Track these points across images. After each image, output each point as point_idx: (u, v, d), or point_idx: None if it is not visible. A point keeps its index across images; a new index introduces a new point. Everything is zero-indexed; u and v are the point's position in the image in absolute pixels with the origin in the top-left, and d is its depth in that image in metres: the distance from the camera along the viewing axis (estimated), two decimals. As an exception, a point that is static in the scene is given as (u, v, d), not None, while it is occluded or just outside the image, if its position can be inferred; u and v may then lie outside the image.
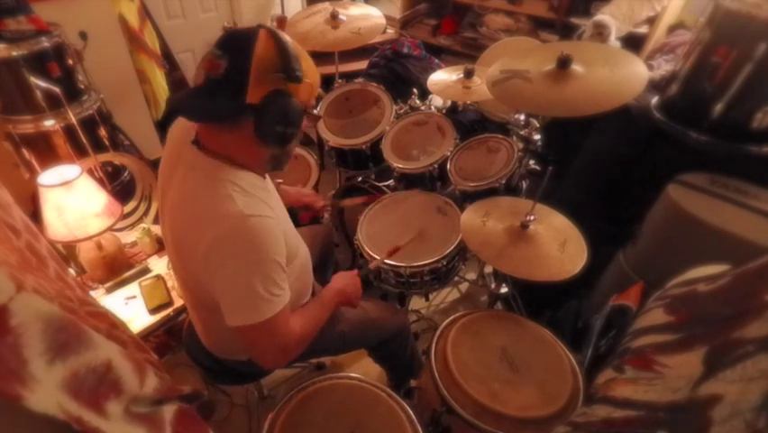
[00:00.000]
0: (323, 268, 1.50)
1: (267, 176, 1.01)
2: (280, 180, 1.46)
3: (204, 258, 0.82)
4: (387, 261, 1.41)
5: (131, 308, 1.44)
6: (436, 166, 1.64)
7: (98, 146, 1.81)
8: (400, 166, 1.68)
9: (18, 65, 1.58)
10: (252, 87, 0.79)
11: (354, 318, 1.23)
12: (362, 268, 1.32)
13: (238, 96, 0.79)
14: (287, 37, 0.82)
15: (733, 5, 1.25)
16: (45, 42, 1.61)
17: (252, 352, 0.94)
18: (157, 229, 1.72)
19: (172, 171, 0.92)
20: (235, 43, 0.80)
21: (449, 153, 1.64)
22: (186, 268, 0.96)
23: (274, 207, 0.93)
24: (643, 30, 2.08)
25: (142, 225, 1.74)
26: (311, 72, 0.87)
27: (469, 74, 1.69)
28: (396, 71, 2.51)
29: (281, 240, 0.88)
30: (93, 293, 1.46)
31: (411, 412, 1.01)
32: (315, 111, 0.94)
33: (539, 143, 1.54)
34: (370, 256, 1.44)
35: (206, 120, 0.85)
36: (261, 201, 0.87)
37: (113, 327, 0.75)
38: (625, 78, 1.14)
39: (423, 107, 1.89)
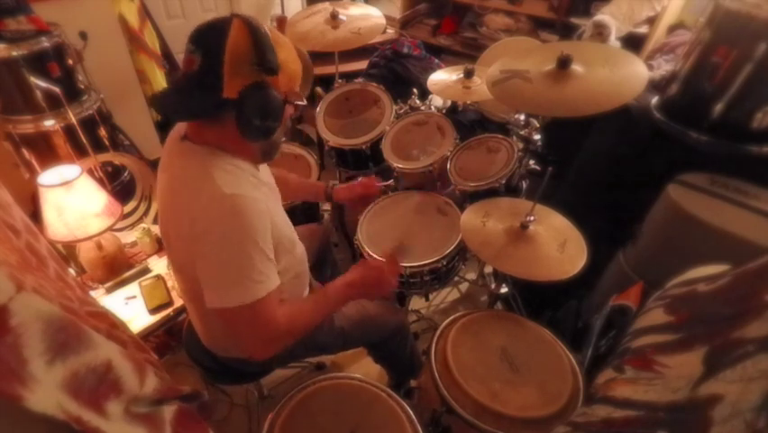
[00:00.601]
0: (320, 267, 1.50)
1: (266, 167, 1.01)
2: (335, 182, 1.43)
3: (189, 241, 0.83)
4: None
5: (131, 308, 1.44)
6: (436, 166, 1.64)
7: (98, 146, 1.81)
8: (400, 166, 1.68)
9: (18, 65, 1.58)
10: (228, 81, 0.78)
11: (354, 316, 1.23)
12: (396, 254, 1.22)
13: (215, 91, 0.78)
14: (263, 26, 0.80)
15: (733, 5, 1.25)
16: (45, 42, 1.61)
17: (238, 339, 0.93)
18: (157, 229, 1.72)
19: (168, 168, 0.93)
20: (208, 36, 0.78)
21: (449, 153, 1.64)
22: (178, 257, 0.96)
23: (259, 188, 0.92)
24: (643, 30, 2.08)
25: (142, 225, 1.74)
26: (291, 61, 0.84)
27: (469, 74, 1.69)
28: (396, 71, 2.51)
29: (264, 222, 0.85)
30: (93, 293, 1.46)
31: (411, 412, 1.01)
32: (299, 101, 0.91)
33: (539, 143, 1.54)
34: (369, 255, 1.44)
35: (187, 118, 0.86)
36: (247, 182, 0.87)
37: (113, 327, 0.75)
38: (625, 78, 1.14)
39: (423, 107, 1.88)
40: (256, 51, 0.77)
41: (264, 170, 1.03)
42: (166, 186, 0.92)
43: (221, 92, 0.78)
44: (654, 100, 1.54)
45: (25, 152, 1.75)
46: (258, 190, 0.88)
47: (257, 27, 0.78)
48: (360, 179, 1.49)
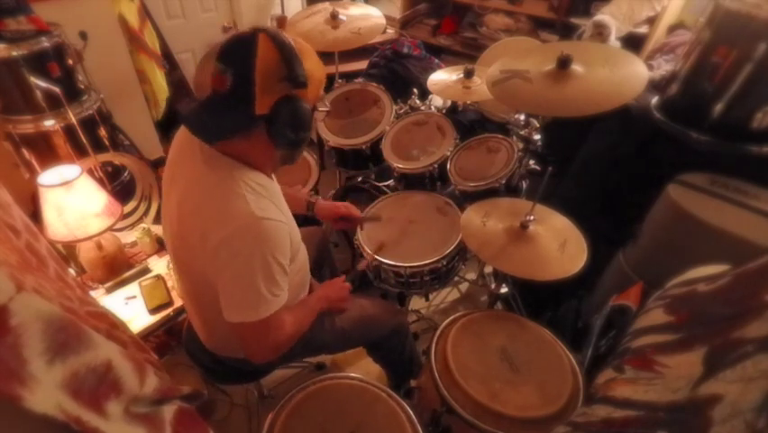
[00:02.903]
0: (319, 268, 1.50)
1: (273, 177, 1.01)
2: (313, 199, 1.42)
3: (212, 253, 0.83)
4: (385, 260, 1.41)
5: (131, 308, 1.44)
6: (436, 166, 1.64)
7: (98, 146, 1.81)
8: (400, 166, 1.68)
9: (18, 65, 1.58)
10: (260, 98, 0.79)
11: (354, 316, 1.23)
12: (349, 273, 1.33)
13: (247, 109, 0.80)
14: (287, 38, 0.81)
15: (733, 5, 1.25)
16: (45, 42, 1.61)
17: (245, 347, 0.95)
18: (157, 229, 1.72)
19: (182, 166, 0.93)
20: (237, 54, 0.79)
21: (449, 153, 1.64)
22: (190, 259, 0.96)
23: (282, 208, 0.94)
24: (643, 30, 2.08)
25: (142, 225, 1.74)
26: (316, 70, 0.86)
27: (469, 74, 1.69)
28: (396, 71, 2.50)
29: (287, 243, 0.89)
30: (93, 293, 1.46)
31: (411, 412, 1.01)
32: (323, 107, 0.95)
33: (539, 143, 1.54)
34: (366, 252, 1.44)
35: (222, 138, 0.86)
36: (272, 203, 0.89)
37: (113, 327, 0.75)
38: (625, 78, 1.14)
39: (423, 107, 1.88)
40: (286, 67, 0.78)
41: (273, 177, 1.04)
42: (187, 191, 0.90)
43: (253, 109, 0.79)
44: (654, 100, 1.54)
45: (25, 152, 1.75)
46: (280, 210, 0.90)
47: (283, 41, 0.79)
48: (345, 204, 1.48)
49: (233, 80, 0.78)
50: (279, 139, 0.84)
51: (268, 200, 0.88)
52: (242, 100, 0.79)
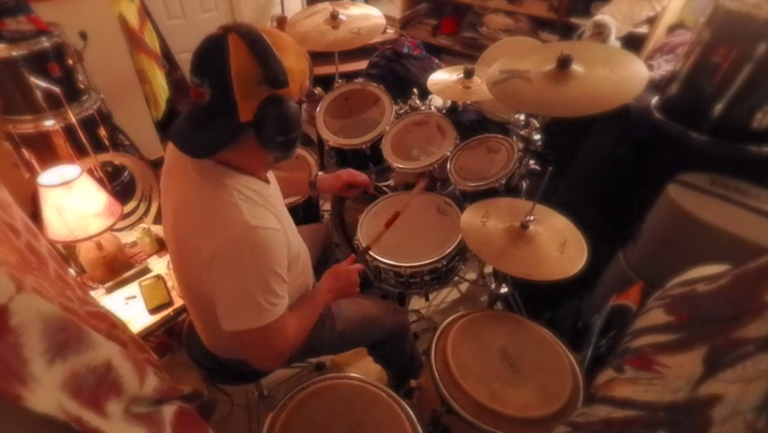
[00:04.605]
0: (322, 267, 1.49)
1: (272, 179, 1.01)
2: (320, 173, 1.40)
3: (207, 264, 0.82)
4: (385, 260, 1.41)
5: (131, 308, 1.44)
6: (436, 166, 1.64)
7: (98, 146, 1.81)
8: (400, 166, 1.68)
9: (18, 65, 1.58)
10: (242, 105, 0.77)
11: (355, 317, 1.23)
12: (358, 254, 1.30)
13: (231, 118, 0.78)
14: (260, 34, 0.76)
15: (733, 5, 1.25)
16: (45, 42, 1.61)
17: (248, 355, 0.94)
18: (157, 229, 1.72)
19: (176, 172, 0.92)
20: (209, 64, 0.76)
21: (449, 153, 1.64)
22: (187, 267, 0.96)
23: (278, 211, 0.93)
24: (643, 30, 2.08)
25: (142, 225, 1.74)
26: (296, 62, 0.81)
27: (469, 74, 1.69)
28: (396, 71, 2.50)
29: (284, 251, 0.88)
30: (93, 293, 1.46)
31: (411, 412, 1.01)
32: (314, 96, 0.92)
33: (539, 143, 1.54)
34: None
35: (211, 155, 0.84)
36: (266, 211, 0.87)
37: (113, 327, 0.76)
38: (625, 78, 1.14)
39: (423, 107, 1.88)
40: (262, 69, 0.75)
41: (270, 177, 1.03)
42: (180, 202, 0.90)
43: (237, 117, 0.78)
44: (654, 100, 1.54)
45: (25, 152, 1.75)
46: (275, 217, 0.89)
47: (256, 39, 0.74)
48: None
49: (210, 92, 0.76)
50: (269, 143, 0.82)
51: (262, 207, 0.86)
52: (224, 111, 0.77)
